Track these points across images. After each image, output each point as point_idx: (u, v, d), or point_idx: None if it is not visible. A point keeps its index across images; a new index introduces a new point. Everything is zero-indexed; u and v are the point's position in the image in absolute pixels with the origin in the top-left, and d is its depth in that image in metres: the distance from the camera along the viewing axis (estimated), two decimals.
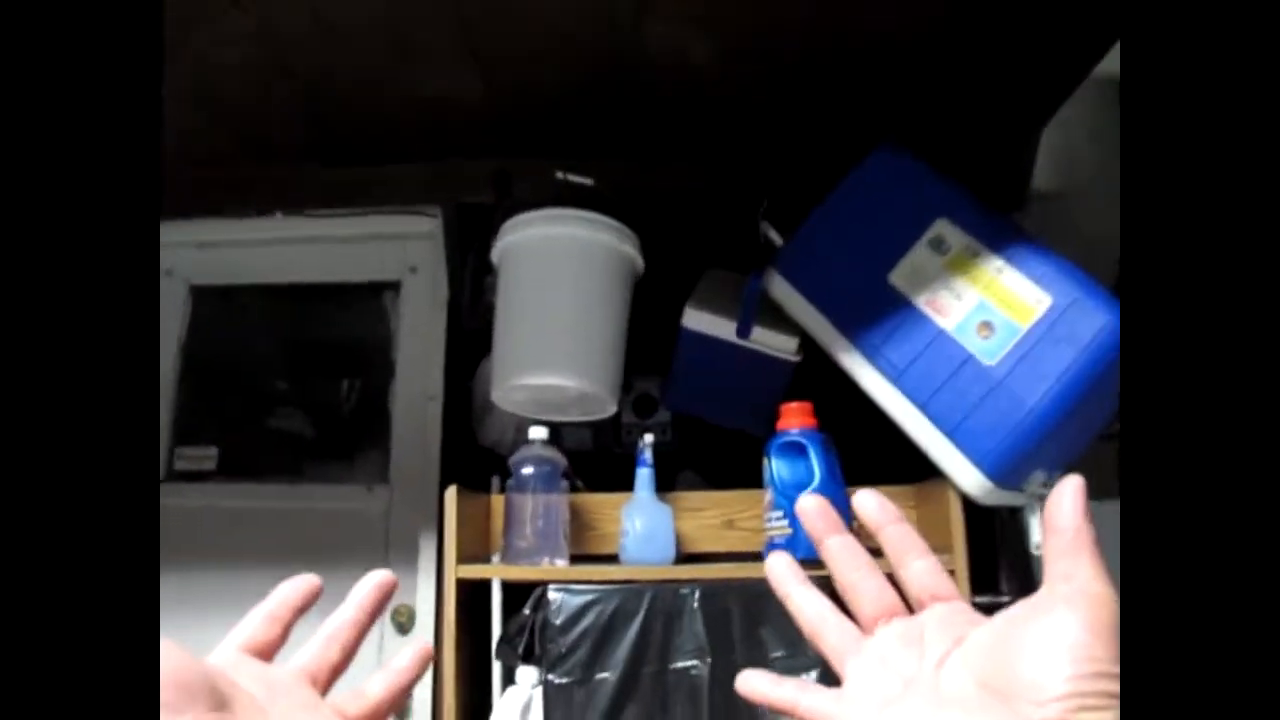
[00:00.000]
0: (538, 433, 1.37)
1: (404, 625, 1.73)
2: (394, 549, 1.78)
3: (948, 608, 0.40)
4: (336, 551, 1.78)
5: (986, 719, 0.32)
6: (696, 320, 1.44)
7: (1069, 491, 0.35)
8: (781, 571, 0.45)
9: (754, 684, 0.43)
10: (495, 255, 1.53)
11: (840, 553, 0.43)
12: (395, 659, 0.44)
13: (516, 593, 1.35)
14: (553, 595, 1.19)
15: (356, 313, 2.05)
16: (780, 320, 1.42)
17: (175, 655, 0.32)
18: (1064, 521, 0.34)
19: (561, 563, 1.32)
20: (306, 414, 2.03)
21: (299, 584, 0.44)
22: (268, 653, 0.41)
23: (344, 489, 1.87)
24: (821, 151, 1.65)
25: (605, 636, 1.15)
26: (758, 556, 1.36)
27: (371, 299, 2.01)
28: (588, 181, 1.60)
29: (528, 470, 1.35)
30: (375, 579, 0.45)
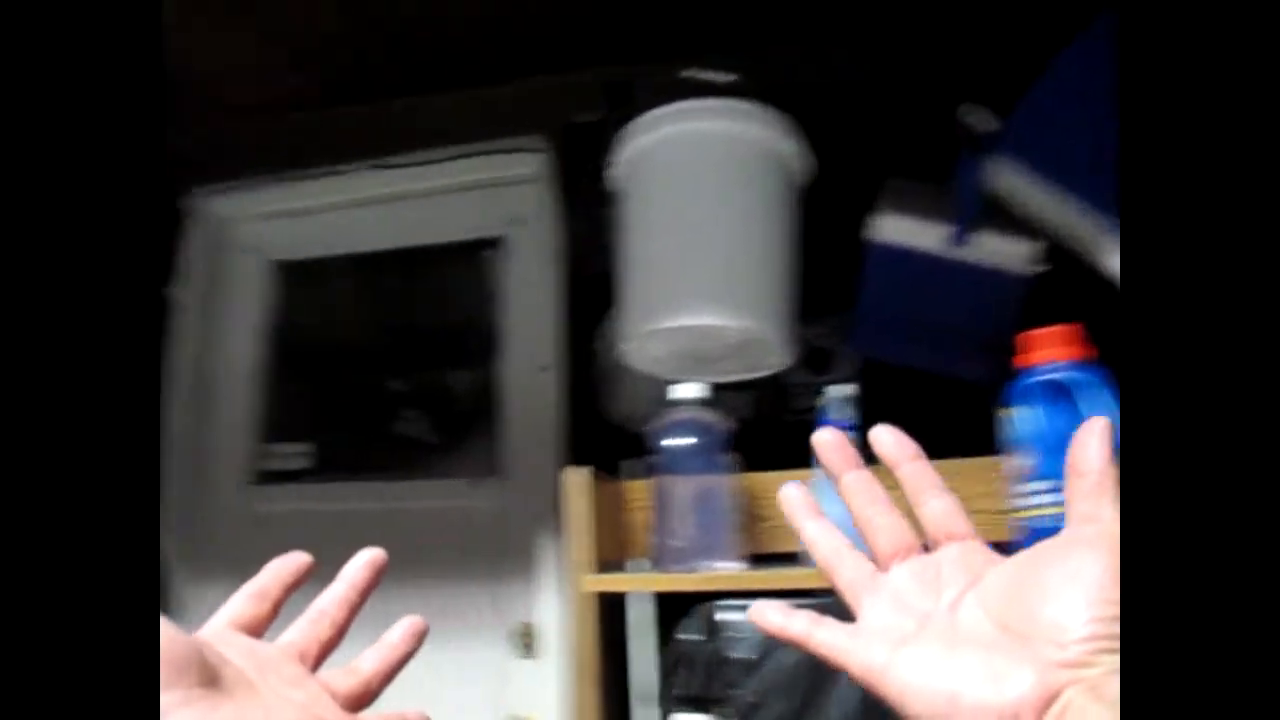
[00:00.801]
0: (691, 390, 1.02)
1: (529, 646, 1.42)
2: (508, 553, 1.46)
3: (963, 547, 0.39)
4: (442, 557, 1.48)
5: (1005, 659, 0.32)
6: (892, 229, 1.06)
7: (1095, 433, 0.35)
8: (796, 503, 0.44)
9: (767, 616, 0.41)
10: (616, 176, 1.20)
11: (857, 489, 0.43)
12: (388, 633, 0.44)
13: (671, 608, 0.99)
14: (727, 615, 0.83)
15: (454, 278, 1.75)
16: (1005, 225, 1.03)
17: (165, 630, 0.32)
18: (1089, 464, 0.34)
19: (732, 566, 0.97)
20: (406, 400, 1.75)
21: (289, 561, 0.44)
22: (257, 629, 0.41)
23: (446, 484, 1.57)
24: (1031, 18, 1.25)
25: (820, 678, 0.78)
26: (1003, 549, 0.97)
27: (470, 260, 1.71)
28: (728, 77, 1.25)
29: (680, 442, 1.00)
30: (366, 556, 0.46)
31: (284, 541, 1.51)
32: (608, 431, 1.34)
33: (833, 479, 0.43)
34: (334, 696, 0.39)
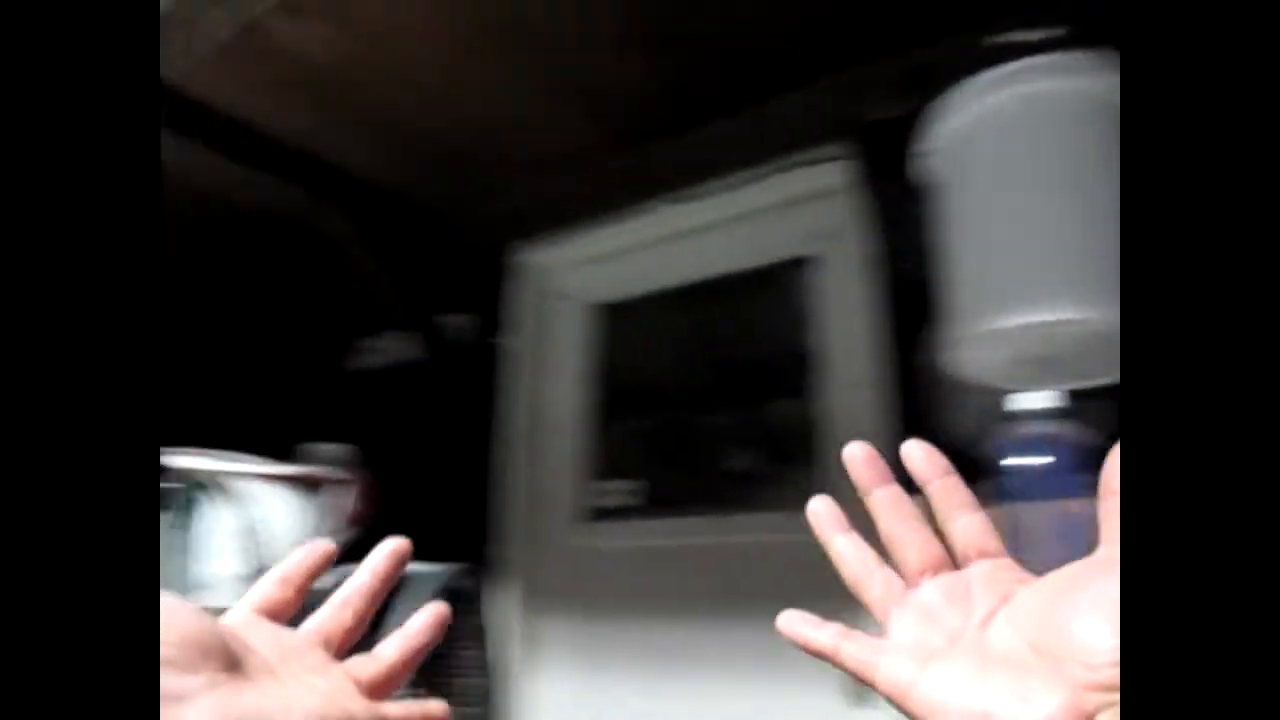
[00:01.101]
0: (1040, 400, 0.86)
1: (862, 695, 1.29)
2: (836, 590, 1.34)
3: (994, 564, 0.39)
4: (767, 594, 1.40)
5: (1035, 679, 0.31)
6: None
7: None
8: (824, 517, 0.45)
9: (794, 627, 0.42)
10: (929, 167, 1.07)
11: (886, 505, 0.42)
12: (410, 620, 0.44)
13: None
14: None
15: (768, 303, 1.69)
16: None
17: (188, 616, 0.33)
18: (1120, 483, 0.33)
19: None
20: (730, 434, 1.71)
21: (313, 549, 0.44)
22: (281, 615, 0.41)
23: (769, 518, 1.49)
24: None
25: None
26: None
27: (783, 282, 1.64)
28: (1051, 31, 1.07)
29: (1031, 462, 0.84)
30: (389, 546, 0.46)
31: (616, 576, 1.51)
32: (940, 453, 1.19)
33: (863, 495, 0.43)
34: (357, 684, 0.39)
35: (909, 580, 0.41)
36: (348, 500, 1.61)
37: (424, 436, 1.88)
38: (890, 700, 0.37)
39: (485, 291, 1.94)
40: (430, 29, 1.34)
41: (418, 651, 0.43)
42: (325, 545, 0.45)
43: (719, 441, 1.68)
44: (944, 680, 0.35)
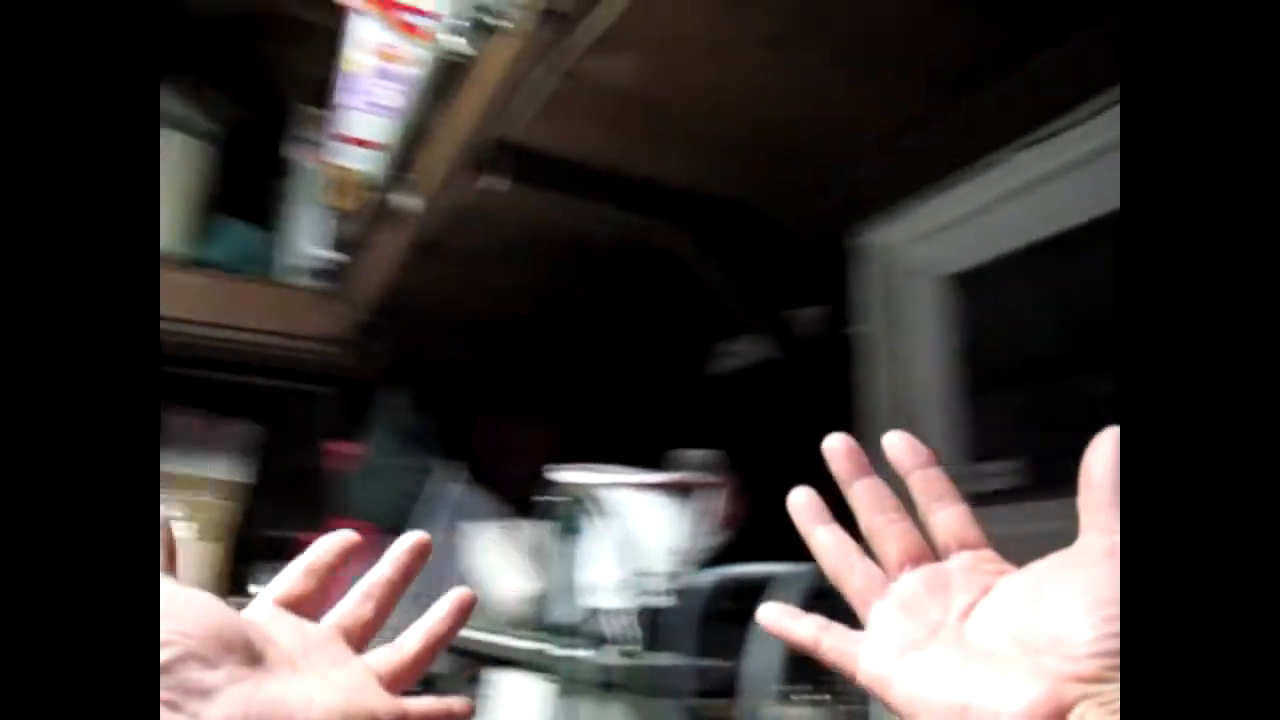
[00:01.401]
0: None
1: None
2: None
3: (975, 556, 0.42)
4: None
5: (1015, 670, 0.33)
6: None
7: (1110, 443, 0.36)
8: (804, 509, 0.46)
9: (774, 618, 0.42)
10: None
11: (866, 497, 0.45)
12: (433, 609, 0.44)
13: None
14: None
15: None
16: None
17: (211, 608, 0.34)
18: (1104, 474, 0.36)
19: None
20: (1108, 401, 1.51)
21: (337, 539, 0.45)
22: (303, 606, 0.42)
23: None
24: None
25: None
26: None
27: None
28: None
29: None
30: (410, 539, 0.47)
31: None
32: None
33: (843, 487, 0.43)
34: (378, 677, 0.40)
35: (889, 572, 0.42)
36: (719, 504, 1.67)
37: (787, 434, 1.89)
38: (871, 692, 0.37)
39: (832, 281, 1.91)
40: (728, 33, 1.36)
41: (440, 640, 0.43)
42: (350, 537, 0.46)
43: (1105, 409, 1.49)
44: (924, 672, 0.35)
